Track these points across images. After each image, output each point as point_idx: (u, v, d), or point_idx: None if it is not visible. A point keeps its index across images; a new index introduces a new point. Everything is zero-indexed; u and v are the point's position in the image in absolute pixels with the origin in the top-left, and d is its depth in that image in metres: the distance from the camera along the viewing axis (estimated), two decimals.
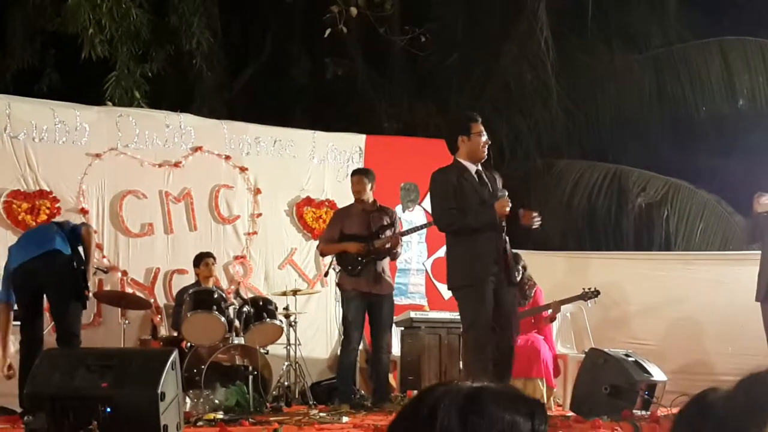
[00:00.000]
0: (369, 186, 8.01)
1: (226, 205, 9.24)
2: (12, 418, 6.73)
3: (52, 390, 5.29)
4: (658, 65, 12.99)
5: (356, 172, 8.25)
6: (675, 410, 7.36)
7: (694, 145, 12.97)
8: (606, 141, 13.36)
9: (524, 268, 8.35)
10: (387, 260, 7.96)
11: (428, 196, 6.70)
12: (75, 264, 7.25)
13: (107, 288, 8.53)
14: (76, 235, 7.30)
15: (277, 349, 8.17)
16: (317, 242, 8.66)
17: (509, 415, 1.31)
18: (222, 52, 13.45)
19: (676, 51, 13.01)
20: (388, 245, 7.85)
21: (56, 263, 7.15)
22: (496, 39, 13.20)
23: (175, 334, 8.14)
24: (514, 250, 8.77)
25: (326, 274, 8.88)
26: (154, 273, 8.83)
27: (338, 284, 8.04)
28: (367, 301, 7.81)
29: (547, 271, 9.28)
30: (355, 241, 7.83)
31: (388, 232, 7.88)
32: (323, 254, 8.45)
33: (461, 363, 6.83)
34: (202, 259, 8.49)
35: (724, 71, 12.52)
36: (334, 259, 8.08)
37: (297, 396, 8.10)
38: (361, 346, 8.30)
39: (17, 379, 7.07)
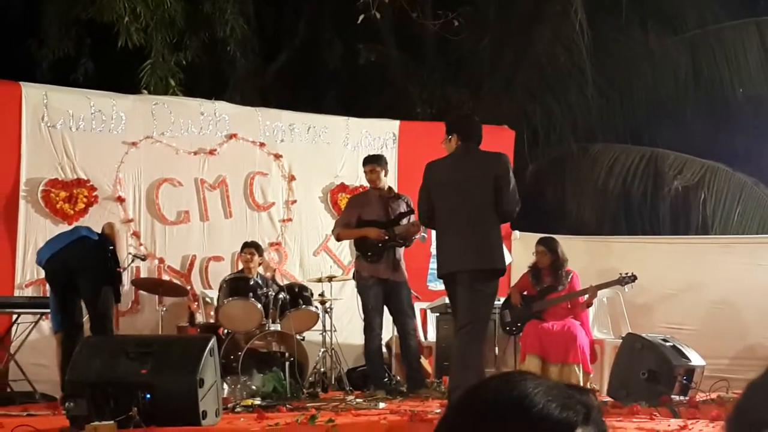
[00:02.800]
0: (383, 173, 8.02)
1: (260, 192, 9.27)
2: (53, 405, 6.83)
3: (93, 377, 5.36)
4: (693, 47, 12.85)
5: (368, 161, 8.17)
6: (714, 395, 7.33)
7: (730, 127, 12.84)
8: (641, 124, 13.26)
9: (554, 252, 8.28)
10: (402, 248, 7.98)
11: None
12: (103, 247, 7.33)
13: (144, 275, 8.60)
14: (101, 235, 7.47)
15: (313, 335, 8.20)
16: (333, 227, 8.62)
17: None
18: (255, 39, 13.48)
19: (711, 32, 12.86)
20: (409, 231, 7.86)
21: (85, 247, 7.31)
22: (530, 22, 13.12)
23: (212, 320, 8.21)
24: (550, 235, 8.78)
25: None
26: (191, 260, 8.90)
27: (356, 271, 8.04)
28: (384, 288, 7.83)
29: (583, 256, 9.23)
30: (374, 227, 7.85)
31: (406, 220, 7.91)
32: (340, 239, 8.47)
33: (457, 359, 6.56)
34: (242, 249, 8.45)
35: (761, 52, 12.36)
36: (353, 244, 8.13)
37: (333, 382, 8.14)
38: (395, 332, 8.31)
39: (57, 367, 7.17)
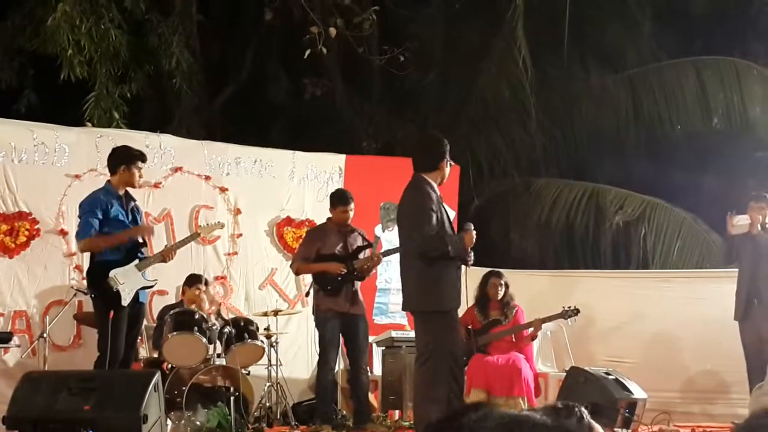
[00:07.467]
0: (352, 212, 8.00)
1: (206, 225, 9.21)
2: None
3: (35, 413, 5.28)
4: (633, 84, 13.12)
5: (346, 201, 7.94)
6: (656, 428, 7.43)
7: (670, 163, 13.10)
8: (583, 159, 13.47)
9: (506, 285, 8.38)
10: (360, 281, 7.99)
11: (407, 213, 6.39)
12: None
13: (87, 310, 8.47)
14: None
15: (258, 369, 8.14)
16: (291, 261, 8.60)
17: None
18: (201, 73, 13.45)
19: (651, 70, 13.16)
20: (367, 265, 7.88)
21: None
22: (474, 58, 13.29)
23: (156, 354, 8.11)
24: (495, 269, 8.85)
25: (307, 294, 8.86)
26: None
27: (315, 305, 7.99)
28: (342, 321, 7.81)
29: (526, 290, 9.30)
30: (334, 261, 7.84)
31: (363, 253, 7.92)
32: (299, 273, 8.43)
33: (416, 393, 6.41)
34: (194, 283, 8.38)
35: (698, 90, 12.67)
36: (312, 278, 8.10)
37: (278, 417, 8.07)
38: (342, 366, 8.29)
39: None
